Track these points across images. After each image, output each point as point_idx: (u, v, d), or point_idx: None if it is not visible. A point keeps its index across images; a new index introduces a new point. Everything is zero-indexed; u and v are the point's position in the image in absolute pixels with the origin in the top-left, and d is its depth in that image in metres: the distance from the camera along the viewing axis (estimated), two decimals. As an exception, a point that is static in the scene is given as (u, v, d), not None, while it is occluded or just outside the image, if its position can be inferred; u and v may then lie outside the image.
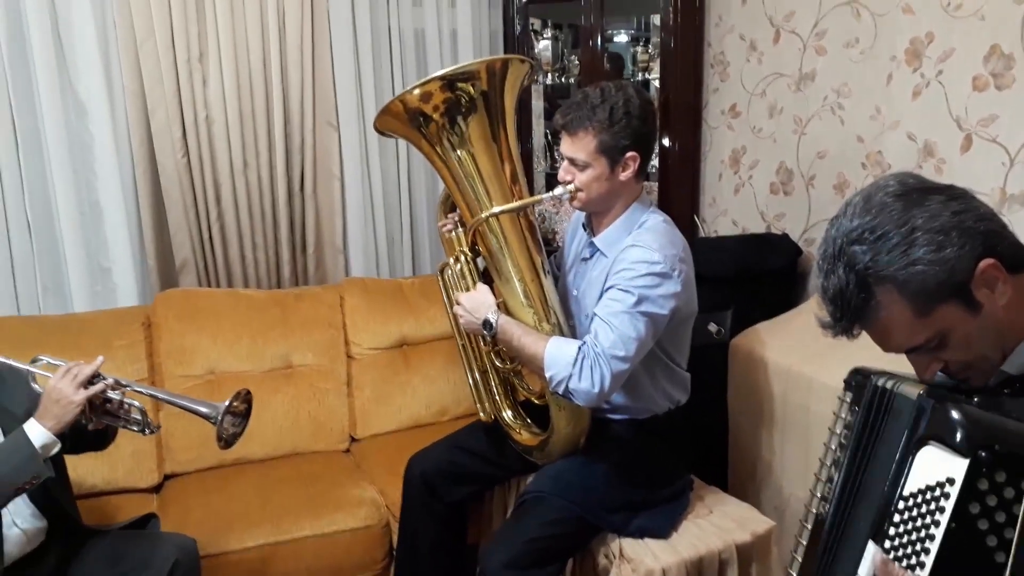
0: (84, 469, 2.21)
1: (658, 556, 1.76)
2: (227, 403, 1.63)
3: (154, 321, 2.49)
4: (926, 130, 2.14)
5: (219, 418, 1.62)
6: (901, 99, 2.19)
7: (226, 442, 1.66)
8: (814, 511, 1.21)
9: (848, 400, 1.21)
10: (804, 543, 1.22)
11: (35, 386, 1.66)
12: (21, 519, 1.68)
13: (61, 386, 1.54)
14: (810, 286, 2.54)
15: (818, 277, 1.06)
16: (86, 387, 1.56)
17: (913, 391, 1.07)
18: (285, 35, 2.68)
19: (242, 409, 1.68)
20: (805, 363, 2.02)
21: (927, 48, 2.10)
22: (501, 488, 2.18)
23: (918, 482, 1.00)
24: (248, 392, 1.70)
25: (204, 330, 2.50)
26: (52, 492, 1.70)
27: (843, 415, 1.21)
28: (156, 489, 2.36)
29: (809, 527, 1.22)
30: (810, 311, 2.24)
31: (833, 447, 1.21)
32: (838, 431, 1.21)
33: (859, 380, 1.20)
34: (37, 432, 1.52)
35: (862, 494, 1.13)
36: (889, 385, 1.13)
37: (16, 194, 2.50)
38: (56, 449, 1.55)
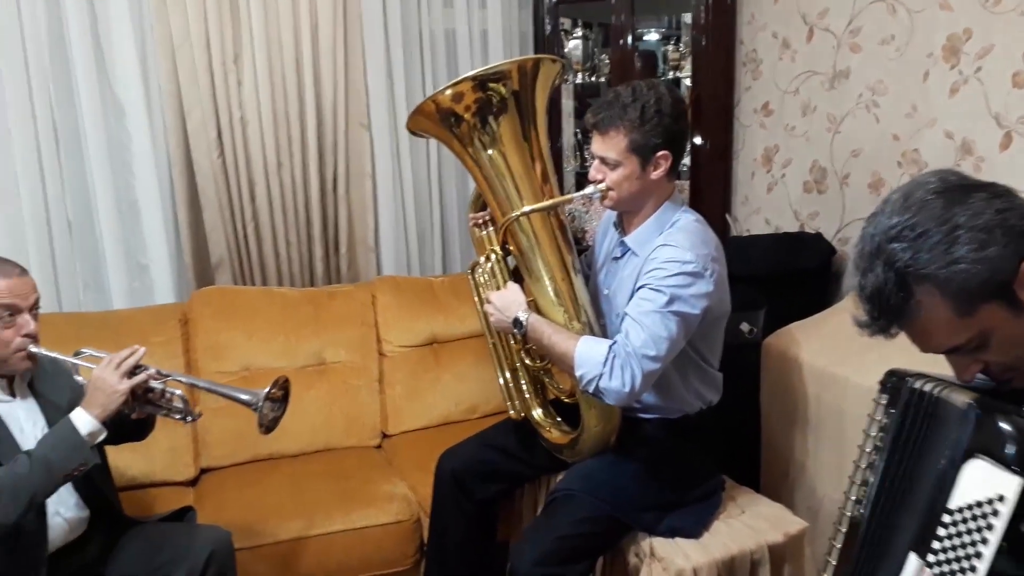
0: (123, 462, 2.25)
1: (689, 556, 1.76)
2: (266, 390, 1.67)
3: (190, 318, 2.53)
4: (964, 127, 2.10)
5: (259, 404, 1.66)
6: (938, 96, 2.16)
7: (267, 428, 1.70)
8: (848, 514, 1.19)
9: (884, 402, 1.19)
10: (838, 546, 1.20)
11: (78, 378, 1.71)
12: (65, 508, 1.72)
13: (106, 375, 1.58)
14: (844, 286, 2.51)
15: (855, 275, 1.03)
16: (130, 376, 1.60)
17: (960, 399, 1.04)
18: (318, 37, 2.71)
19: (279, 395, 1.71)
20: (839, 364, 2.00)
21: (965, 44, 2.07)
22: (531, 486, 2.18)
23: (965, 496, 0.98)
24: (286, 380, 1.73)
25: (239, 327, 2.54)
26: (95, 482, 1.75)
27: (878, 417, 1.19)
28: (192, 483, 2.40)
29: (843, 530, 1.20)
30: (844, 311, 2.22)
31: (868, 449, 1.19)
32: (873, 433, 1.19)
33: (895, 382, 1.18)
34: (84, 420, 1.56)
35: (902, 502, 1.11)
36: (929, 389, 1.10)
37: (57, 193, 2.56)
38: (102, 437, 1.59)
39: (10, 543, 1.56)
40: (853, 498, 1.19)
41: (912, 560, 1.03)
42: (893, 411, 1.16)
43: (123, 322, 2.46)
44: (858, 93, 2.40)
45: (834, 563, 1.21)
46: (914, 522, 1.05)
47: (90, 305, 2.66)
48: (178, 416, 1.72)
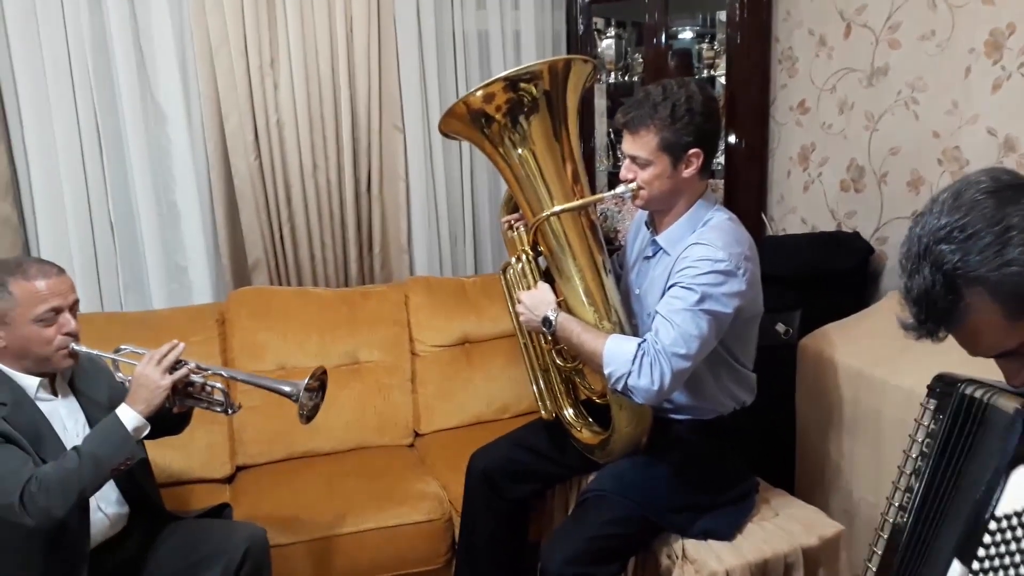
0: (163, 459, 2.30)
1: (722, 558, 1.74)
2: (305, 381, 1.70)
3: (228, 318, 2.58)
4: (1007, 124, 2.05)
5: (299, 395, 1.70)
6: (980, 93, 2.11)
7: (307, 417, 1.73)
8: (891, 520, 1.17)
9: (932, 407, 1.16)
10: (879, 552, 1.18)
11: (118, 375, 1.75)
12: (106, 503, 1.76)
13: (148, 372, 1.62)
14: (882, 286, 2.47)
15: (901, 277, 1.01)
16: (171, 372, 1.64)
17: (1010, 405, 1.02)
18: (353, 40, 2.74)
19: (317, 386, 1.75)
20: (877, 365, 1.97)
21: (1008, 40, 2.02)
22: (562, 486, 2.18)
23: (1012, 504, 0.95)
24: (324, 371, 1.77)
25: (275, 327, 2.57)
26: (136, 478, 1.79)
27: (926, 423, 1.16)
28: (229, 480, 2.45)
29: (885, 536, 1.18)
30: (882, 312, 2.18)
31: (914, 455, 1.16)
32: (920, 439, 1.16)
33: (944, 387, 1.15)
34: (129, 416, 1.60)
35: (947, 508, 1.09)
36: (979, 395, 1.07)
37: (100, 196, 2.63)
38: (146, 431, 1.63)
39: (54, 539, 1.60)
40: (896, 504, 1.17)
41: (956, 567, 1.01)
42: (941, 417, 1.14)
43: (162, 322, 2.51)
44: (897, 90, 2.35)
45: (874, 569, 1.19)
46: (958, 529, 1.03)
47: (131, 305, 2.72)
48: (219, 408, 1.76)
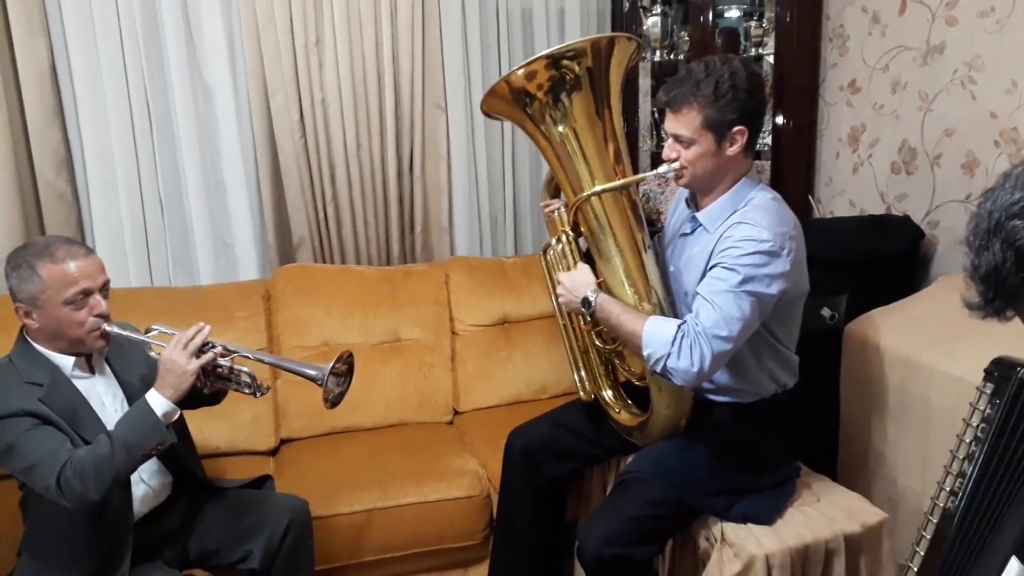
0: (208, 432, 2.36)
1: (761, 542, 1.72)
2: (331, 364, 1.68)
3: (273, 294, 2.62)
4: (1069, 103, 1.98)
5: (324, 379, 1.68)
6: (1042, 70, 2.03)
7: (332, 402, 1.71)
8: (941, 505, 1.16)
9: (988, 392, 1.14)
10: (928, 537, 1.17)
11: (152, 354, 1.75)
12: (148, 475, 1.80)
13: (175, 357, 1.62)
14: (932, 272, 2.40)
15: (967, 255, 0.97)
16: (198, 356, 1.64)
17: None
18: (397, 19, 2.74)
19: (343, 370, 1.72)
20: (925, 352, 1.92)
21: (1073, 14, 1.94)
22: (600, 467, 2.18)
23: None
24: (350, 354, 1.74)
25: (319, 304, 2.61)
26: (177, 452, 1.82)
27: (981, 407, 1.14)
28: (273, 452, 2.50)
29: (935, 521, 1.16)
30: (932, 298, 2.12)
31: (968, 439, 1.14)
32: (975, 423, 1.14)
33: (1002, 371, 1.13)
34: (158, 402, 1.60)
35: (1004, 498, 1.07)
36: None
37: (150, 174, 2.69)
38: (176, 416, 1.64)
39: (98, 513, 1.64)
40: (948, 488, 1.15)
41: (1014, 565, 0.99)
42: (998, 401, 1.12)
43: (210, 297, 2.57)
44: (953, 69, 2.27)
45: (922, 553, 1.17)
46: (1018, 523, 1.01)
47: (179, 281, 2.79)
48: (247, 391, 1.75)
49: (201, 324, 1.66)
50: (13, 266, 1.64)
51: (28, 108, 2.48)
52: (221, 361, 1.69)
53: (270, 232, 2.83)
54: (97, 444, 1.58)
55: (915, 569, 1.18)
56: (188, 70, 2.64)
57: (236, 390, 1.76)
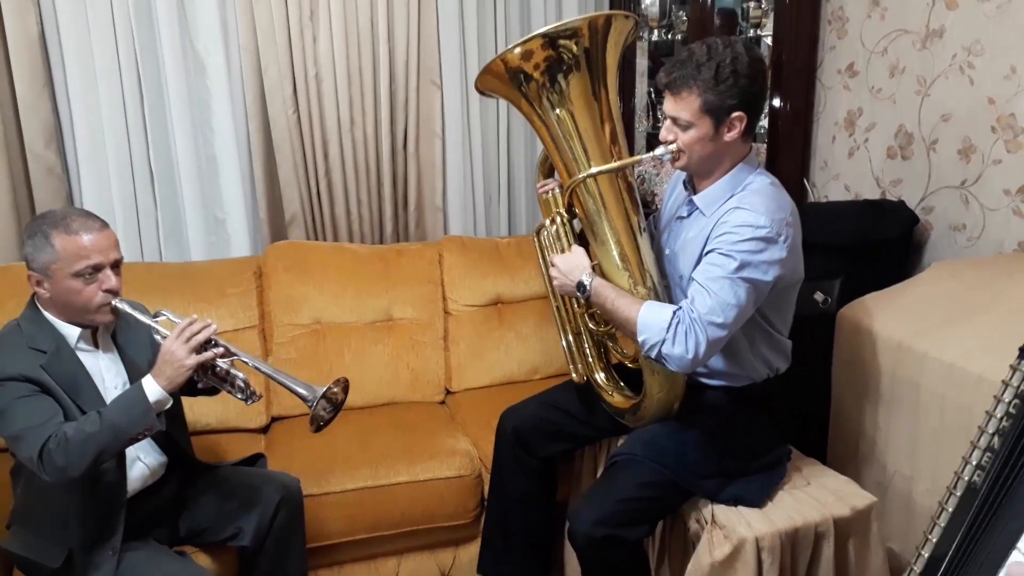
0: (199, 409, 2.35)
1: (752, 524, 1.74)
2: (326, 388, 1.66)
3: (265, 271, 2.60)
4: (1068, 91, 1.97)
5: (315, 402, 1.66)
6: (1041, 57, 2.02)
7: (316, 426, 1.69)
8: (966, 479, 1.17)
9: (1022, 368, 1.15)
10: (950, 510, 1.18)
11: (158, 338, 1.74)
12: (145, 454, 1.80)
13: (175, 349, 1.59)
14: (926, 257, 2.41)
15: None
16: (198, 352, 1.61)
17: None
18: (392, -7, 2.71)
19: (339, 396, 1.70)
20: (917, 338, 1.92)
21: (1075, 0, 1.93)
22: (592, 448, 2.19)
23: None
24: (347, 381, 1.72)
25: (311, 281, 2.60)
26: (173, 435, 1.82)
27: (1016, 383, 1.15)
28: (264, 430, 2.49)
29: (959, 494, 1.18)
30: (925, 283, 2.13)
31: (998, 415, 1.16)
32: (1007, 399, 1.15)
33: None
34: (152, 389, 1.59)
35: None
36: None
37: (141, 146, 2.65)
38: (168, 405, 1.62)
39: (92, 486, 1.64)
40: (975, 463, 1.17)
41: None
42: None
43: (201, 273, 2.55)
44: (952, 53, 2.26)
45: (943, 525, 1.19)
46: None
47: (170, 256, 2.76)
48: (240, 396, 1.74)
49: (208, 321, 1.65)
50: (29, 234, 1.64)
51: (17, 79, 2.44)
52: (220, 362, 1.68)
53: (262, 208, 2.81)
54: (85, 422, 1.57)
55: (934, 541, 1.19)
56: (180, 42, 2.60)
57: (228, 392, 1.74)
